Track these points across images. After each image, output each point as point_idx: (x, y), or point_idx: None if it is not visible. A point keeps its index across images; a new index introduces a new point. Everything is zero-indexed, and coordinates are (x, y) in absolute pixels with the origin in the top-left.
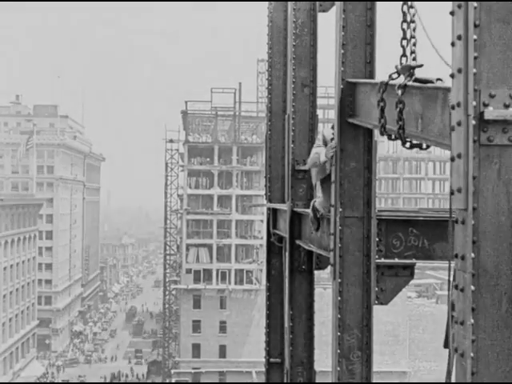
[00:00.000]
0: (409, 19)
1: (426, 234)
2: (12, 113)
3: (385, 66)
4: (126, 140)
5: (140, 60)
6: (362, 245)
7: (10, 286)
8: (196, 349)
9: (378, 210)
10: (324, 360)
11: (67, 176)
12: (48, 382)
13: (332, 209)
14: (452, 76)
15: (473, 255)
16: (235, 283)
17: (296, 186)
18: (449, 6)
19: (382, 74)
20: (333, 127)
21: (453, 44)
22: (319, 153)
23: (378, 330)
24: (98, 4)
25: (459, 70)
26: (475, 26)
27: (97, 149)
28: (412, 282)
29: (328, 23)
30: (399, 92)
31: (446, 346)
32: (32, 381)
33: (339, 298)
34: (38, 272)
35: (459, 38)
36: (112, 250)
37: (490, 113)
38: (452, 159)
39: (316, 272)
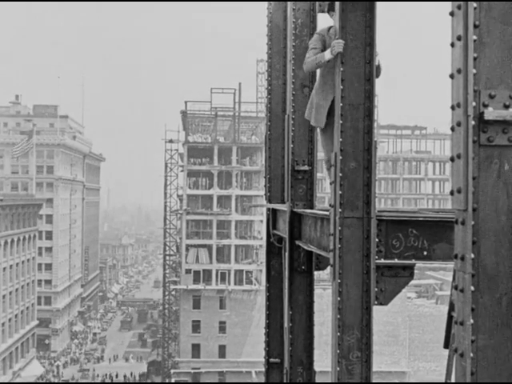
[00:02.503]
0: None
1: (426, 234)
2: (12, 113)
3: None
4: (125, 140)
5: (140, 60)
6: (361, 245)
7: (9, 286)
8: (196, 349)
9: (378, 211)
10: (324, 360)
11: (67, 176)
12: (48, 382)
13: (331, 209)
14: (451, 76)
15: (472, 256)
16: (235, 284)
17: (296, 186)
18: (448, 6)
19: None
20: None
21: (452, 44)
22: (322, 53)
23: (378, 330)
24: (98, 4)
25: (459, 71)
26: (475, 26)
27: (96, 149)
28: (412, 282)
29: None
30: None
31: (445, 346)
32: (32, 381)
33: (339, 299)
34: (38, 272)
35: (459, 38)
36: (112, 251)
37: (490, 113)
38: (452, 159)
39: (316, 272)
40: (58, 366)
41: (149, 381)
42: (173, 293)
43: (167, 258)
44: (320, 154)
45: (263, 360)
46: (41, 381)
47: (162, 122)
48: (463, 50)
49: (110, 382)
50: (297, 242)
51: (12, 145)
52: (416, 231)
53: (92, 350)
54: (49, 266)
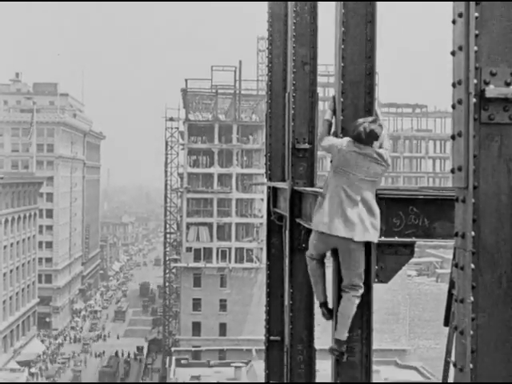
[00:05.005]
0: None
1: (427, 212)
2: (12, 91)
3: None
4: (126, 118)
5: (141, 37)
6: None
7: (10, 264)
8: (196, 327)
9: (378, 189)
10: (324, 338)
11: (67, 154)
12: (48, 382)
13: None
14: (453, 54)
15: (473, 233)
16: (235, 262)
17: (296, 164)
18: None
19: None
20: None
21: (454, 22)
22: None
23: (378, 308)
24: None
25: (460, 48)
26: (476, 3)
27: (97, 127)
28: (412, 260)
29: (329, 3)
30: None
31: (446, 324)
32: (32, 358)
33: (339, 276)
34: (39, 250)
35: (460, 15)
36: (112, 229)
37: (491, 91)
38: (453, 137)
39: None
40: (58, 344)
41: (149, 360)
42: (173, 271)
43: (168, 236)
44: None
45: (264, 338)
46: (41, 381)
47: (163, 99)
48: (465, 27)
49: (109, 382)
50: (297, 220)
51: (12, 123)
52: (416, 209)
53: (89, 340)
54: (49, 244)
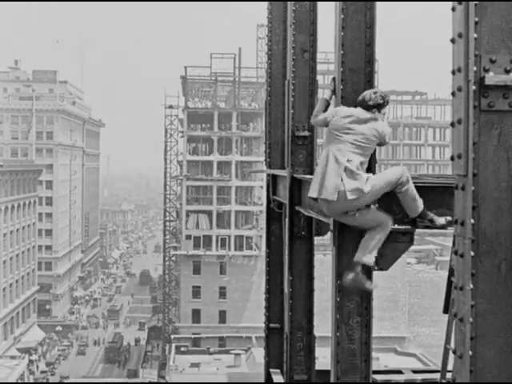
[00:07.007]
0: None
1: (426, 200)
2: (11, 78)
3: None
4: (125, 106)
5: (140, 25)
6: None
7: (10, 251)
8: (196, 314)
9: None
10: (324, 325)
11: (67, 142)
12: (49, 382)
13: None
14: (452, 41)
15: (472, 221)
16: (235, 249)
17: (296, 151)
18: None
19: None
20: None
21: (453, 9)
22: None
23: (378, 295)
24: None
25: (460, 35)
26: None
27: (96, 114)
28: (411, 248)
29: None
30: None
31: (445, 311)
32: (32, 345)
33: (339, 264)
34: (38, 238)
35: (460, 2)
36: (112, 216)
37: (491, 78)
38: (452, 125)
39: (317, 238)
40: (58, 331)
41: (149, 348)
42: (173, 258)
43: (167, 223)
44: None
45: (263, 325)
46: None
47: (162, 87)
48: (464, 14)
49: (108, 382)
50: (297, 208)
51: (12, 110)
52: None
53: (84, 338)
54: (49, 232)
